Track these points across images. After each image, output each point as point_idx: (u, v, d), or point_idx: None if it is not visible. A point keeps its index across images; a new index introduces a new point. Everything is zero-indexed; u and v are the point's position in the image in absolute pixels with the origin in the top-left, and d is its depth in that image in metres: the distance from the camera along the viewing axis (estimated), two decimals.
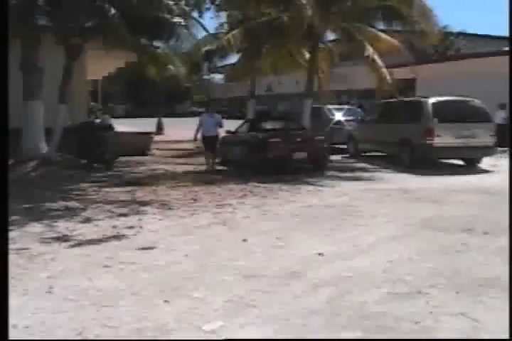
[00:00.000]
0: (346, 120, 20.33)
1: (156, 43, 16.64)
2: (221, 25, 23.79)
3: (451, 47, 37.29)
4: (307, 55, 19.38)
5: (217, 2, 22.91)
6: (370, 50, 17.29)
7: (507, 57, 22.60)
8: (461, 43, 37.31)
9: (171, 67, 18.37)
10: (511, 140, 17.55)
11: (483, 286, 5.19)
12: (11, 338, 3.75)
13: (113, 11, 13.74)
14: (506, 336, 3.97)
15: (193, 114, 53.91)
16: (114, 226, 7.85)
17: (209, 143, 14.74)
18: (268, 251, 6.53)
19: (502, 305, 4.68)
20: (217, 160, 15.47)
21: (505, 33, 24.13)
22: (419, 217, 8.43)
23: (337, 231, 7.59)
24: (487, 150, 15.24)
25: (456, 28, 38.22)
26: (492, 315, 4.49)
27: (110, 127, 16.30)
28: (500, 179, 12.70)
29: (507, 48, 26.96)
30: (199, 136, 14.98)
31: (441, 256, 6.26)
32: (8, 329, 3.69)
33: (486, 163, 15.53)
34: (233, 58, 24.62)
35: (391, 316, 4.46)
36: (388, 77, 17.27)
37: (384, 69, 17.34)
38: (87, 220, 8.30)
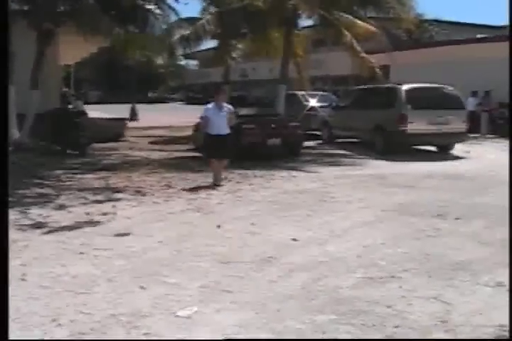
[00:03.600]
0: (320, 106, 20.35)
1: (130, 28, 16.46)
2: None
3: (425, 34, 37.37)
4: (282, 41, 19.30)
5: None
6: (348, 36, 17.29)
7: (482, 45, 22.84)
8: (434, 30, 37.39)
9: (146, 51, 18.16)
10: (511, 131, 17.53)
11: (455, 270, 5.28)
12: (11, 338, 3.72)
13: None
14: (508, 332, 3.94)
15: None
16: (88, 213, 7.80)
17: (217, 145, 10.46)
18: (243, 236, 6.55)
19: (473, 288, 4.79)
20: (192, 147, 15.35)
21: (480, 21, 24.34)
22: (394, 203, 8.52)
23: (312, 216, 7.64)
24: (460, 137, 15.39)
25: (430, 16, 38.24)
26: (463, 298, 4.58)
27: (83, 113, 16.14)
28: (472, 165, 12.88)
29: (479, 36, 27.22)
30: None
31: (414, 241, 6.34)
32: (9, 329, 3.64)
33: (458, 149, 15.68)
34: (208, 44, 24.47)
35: (365, 300, 4.51)
36: (369, 63, 17.28)
37: (363, 55, 17.35)
38: (61, 207, 8.23)
